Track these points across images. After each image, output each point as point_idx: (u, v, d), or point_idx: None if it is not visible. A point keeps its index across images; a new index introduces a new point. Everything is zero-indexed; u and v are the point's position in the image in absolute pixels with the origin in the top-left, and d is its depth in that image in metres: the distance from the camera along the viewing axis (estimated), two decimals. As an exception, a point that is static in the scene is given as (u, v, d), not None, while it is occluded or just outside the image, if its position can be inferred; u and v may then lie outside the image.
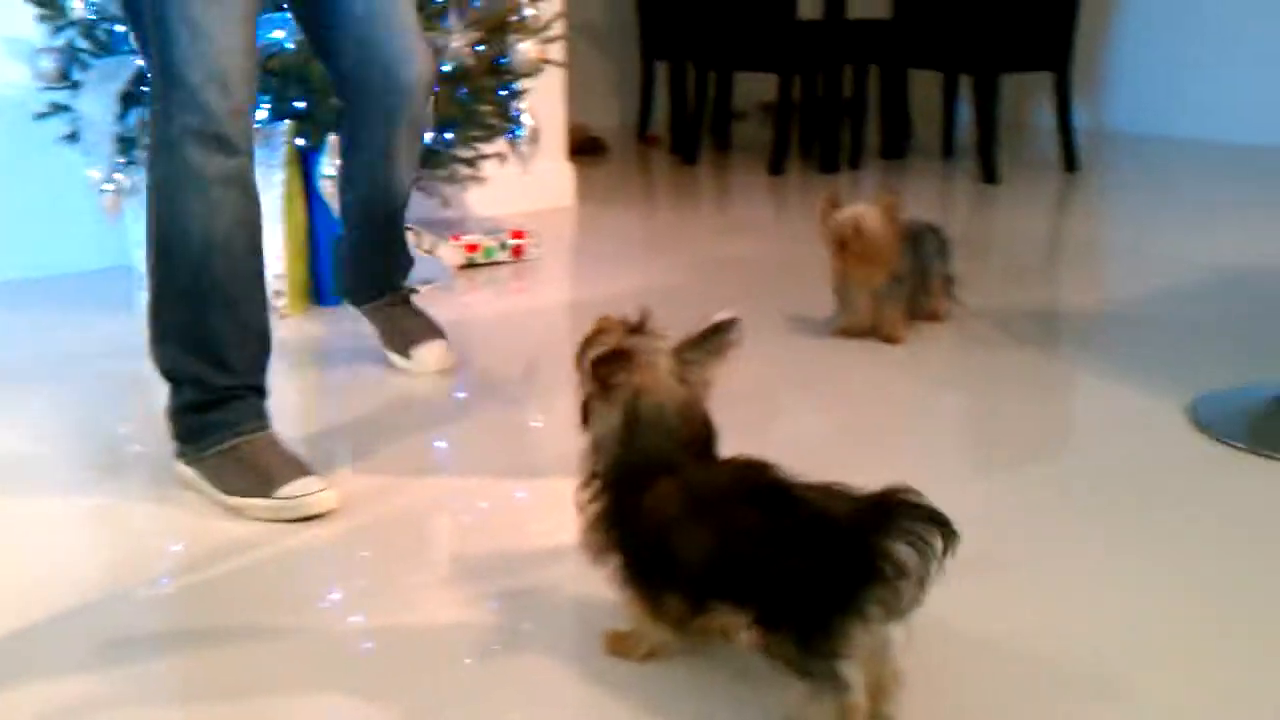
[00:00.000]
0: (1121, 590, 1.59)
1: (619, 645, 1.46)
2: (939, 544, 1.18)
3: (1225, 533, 1.76)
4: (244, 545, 1.77)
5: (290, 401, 2.46)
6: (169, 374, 1.93)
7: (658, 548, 1.33)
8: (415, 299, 2.64)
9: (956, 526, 1.18)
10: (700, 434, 1.39)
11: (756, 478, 1.33)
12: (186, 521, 1.85)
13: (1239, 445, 2.01)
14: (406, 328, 2.57)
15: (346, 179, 2.44)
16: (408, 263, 2.60)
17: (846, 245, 2.56)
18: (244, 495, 1.85)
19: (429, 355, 2.53)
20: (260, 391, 1.97)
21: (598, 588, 1.43)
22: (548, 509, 1.88)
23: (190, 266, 1.85)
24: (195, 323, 1.88)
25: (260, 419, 1.95)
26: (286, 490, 1.83)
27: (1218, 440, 2.05)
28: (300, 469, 1.88)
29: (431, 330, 2.57)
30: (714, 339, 1.40)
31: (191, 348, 1.89)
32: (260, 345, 1.97)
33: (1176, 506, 1.84)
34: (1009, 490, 1.91)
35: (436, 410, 2.35)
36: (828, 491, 1.27)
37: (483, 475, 2.01)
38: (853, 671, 1.20)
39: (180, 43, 1.76)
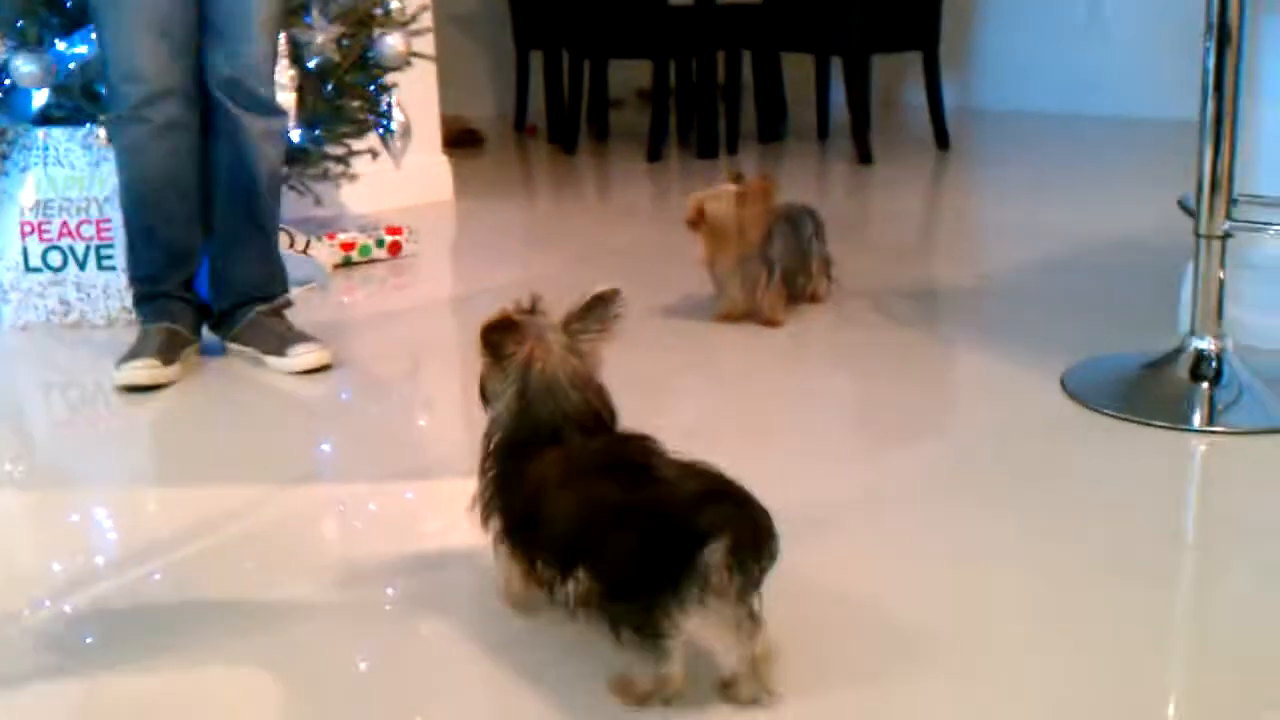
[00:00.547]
0: (991, 554, 1.62)
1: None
2: (759, 549, 1.24)
3: (1092, 496, 1.80)
4: (130, 559, 1.72)
5: (170, 411, 2.40)
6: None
7: (531, 513, 1.37)
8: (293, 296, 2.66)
9: (776, 532, 1.24)
10: (592, 405, 1.43)
11: (625, 451, 1.37)
12: (63, 542, 1.79)
13: (1110, 412, 2.06)
14: (280, 331, 2.54)
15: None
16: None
17: (694, 227, 2.61)
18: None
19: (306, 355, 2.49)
20: (182, 299, 2.52)
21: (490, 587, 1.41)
22: (437, 508, 1.86)
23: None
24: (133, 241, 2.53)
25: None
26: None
27: (1089, 408, 2.09)
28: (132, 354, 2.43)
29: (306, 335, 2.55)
30: (598, 310, 1.44)
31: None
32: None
33: (1047, 473, 1.88)
34: (886, 466, 1.93)
35: (321, 413, 2.31)
36: (685, 471, 1.32)
37: (370, 477, 1.97)
38: (673, 644, 1.26)
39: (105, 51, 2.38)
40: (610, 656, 1.30)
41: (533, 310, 1.46)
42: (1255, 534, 1.69)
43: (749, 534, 1.24)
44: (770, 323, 2.65)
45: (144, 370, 2.40)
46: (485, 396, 1.48)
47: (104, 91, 2.46)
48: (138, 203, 2.48)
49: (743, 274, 2.64)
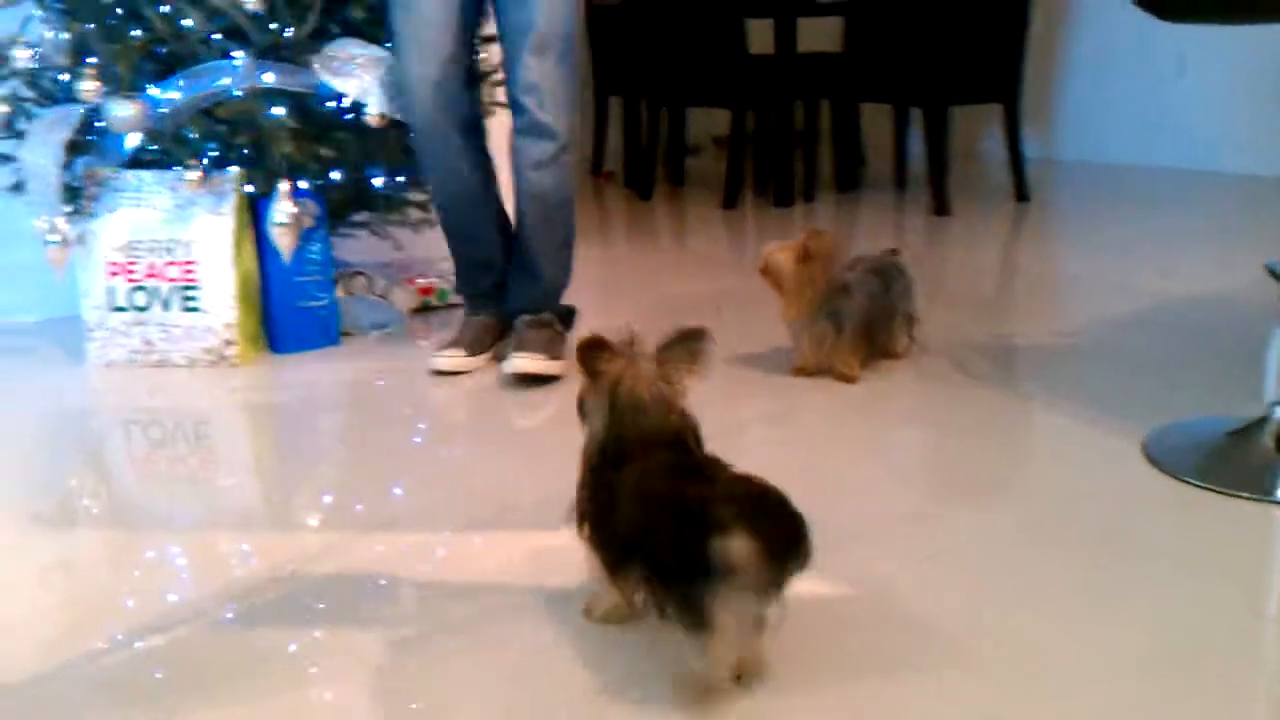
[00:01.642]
0: (1062, 626, 1.59)
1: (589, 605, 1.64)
2: (786, 551, 1.36)
3: (1168, 567, 1.75)
4: (204, 600, 1.73)
5: (247, 452, 2.43)
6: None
7: (611, 517, 1.50)
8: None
9: (807, 536, 1.36)
10: (674, 426, 1.54)
11: (690, 462, 1.51)
12: (139, 580, 1.81)
13: (1191, 480, 2.02)
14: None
15: None
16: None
17: (764, 275, 2.65)
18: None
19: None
20: (485, 296, 2.89)
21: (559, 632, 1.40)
22: (504, 556, 1.86)
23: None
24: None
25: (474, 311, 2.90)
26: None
27: (1170, 475, 2.05)
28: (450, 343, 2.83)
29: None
30: (687, 343, 1.55)
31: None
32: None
33: (1122, 541, 1.84)
34: (953, 525, 1.90)
35: (395, 457, 2.32)
36: (735, 478, 1.45)
37: (443, 524, 1.98)
38: (725, 629, 1.37)
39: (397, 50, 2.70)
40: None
41: (630, 343, 1.56)
42: (1343, 613, 1.64)
43: (777, 534, 1.35)
44: (844, 378, 2.63)
45: (447, 359, 2.78)
46: (582, 413, 1.61)
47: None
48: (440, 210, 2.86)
49: (810, 328, 2.63)
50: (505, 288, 2.88)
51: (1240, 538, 1.86)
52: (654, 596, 1.43)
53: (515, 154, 2.69)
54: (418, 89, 2.65)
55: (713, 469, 1.49)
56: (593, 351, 1.57)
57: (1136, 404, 2.40)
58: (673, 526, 1.39)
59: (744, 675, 1.47)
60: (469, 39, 2.72)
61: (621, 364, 1.55)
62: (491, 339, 2.86)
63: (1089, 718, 1.40)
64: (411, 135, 2.77)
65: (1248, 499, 1.96)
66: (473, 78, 2.77)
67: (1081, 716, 1.40)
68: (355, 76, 2.77)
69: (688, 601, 1.37)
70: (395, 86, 2.78)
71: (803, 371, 2.67)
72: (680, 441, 1.54)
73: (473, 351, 2.81)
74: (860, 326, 2.63)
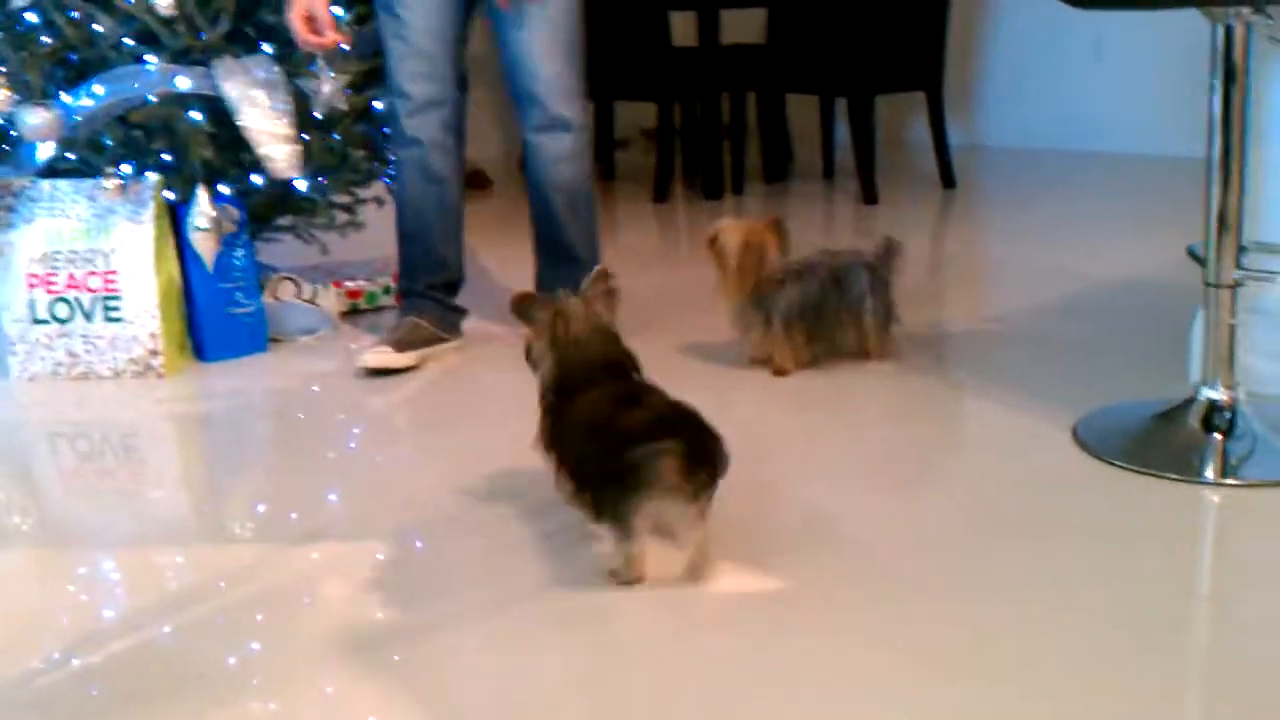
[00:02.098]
0: (998, 607, 1.60)
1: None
2: (703, 459, 1.62)
3: (1102, 549, 1.77)
4: (139, 615, 1.70)
5: (178, 463, 2.39)
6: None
7: (569, 443, 1.75)
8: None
9: (722, 448, 1.65)
10: (615, 351, 1.81)
11: (630, 391, 1.74)
12: (73, 596, 1.78)
13: (1121, 464, 2.04)
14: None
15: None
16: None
17: (709, 245, 2.64)
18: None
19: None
20: (425, 295, 2.88)
21: (499, 645, 1.39)
22: (444, 565, 1.84)
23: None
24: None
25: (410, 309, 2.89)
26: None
27: (1101, 459, 2.07)
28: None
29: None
30: (599, 284, 1.84)
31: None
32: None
33: (1056, 526, 1.86)
34: (897, 519, 1.91)
35: (328, 464, 2.30)
36: (664, 403, 1.70)
37: (379, 534, 1.95)
38: (638, 531, 1.65)
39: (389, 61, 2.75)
40: None
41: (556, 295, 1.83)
42: (1268, 587, 1.67)
43: (690, 447, 1.60)
44: (777, 370, 2.64)
45: (377, 355, 2.76)
46: (531, 359, 1.86)
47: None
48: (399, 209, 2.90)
49: (741, 315, 2.64)
50: (452, 288, 2.93)
51: (1170, 518, 1.88)
52: (586, 507, 1.69)
53: (534, 151, 2.78)
54: (410, 95, 2.71)
55: (646, 395, 1.73)
56: (524, 304, 1.85)
57: (1066, 389, 2.43)
58: (599, 441, 1.65)
59: (692, 574, 1.71)
60: (460, 44, 2.76)
61: (553, 309, 1.80)
62: (422, 340, 2.84)
63: (1034, 701, 1.41)
64: (393, 137, 2.81)
65: (1176, 480, 1.98)
66: (463, 82, 2.80)
67: (1027, 700, 1.41)
68: (252, 96, 2.73)
69: (608, 507, 1.64)
70: (388, 98, 2.82)
71: (754, 361, 2.68)
72: (620, 366, 1.80)
73: (400, 349, 2.79)
74: (793, 321, 2.62)
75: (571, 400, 1.76)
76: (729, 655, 1.54)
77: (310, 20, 2.62)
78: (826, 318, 2.65)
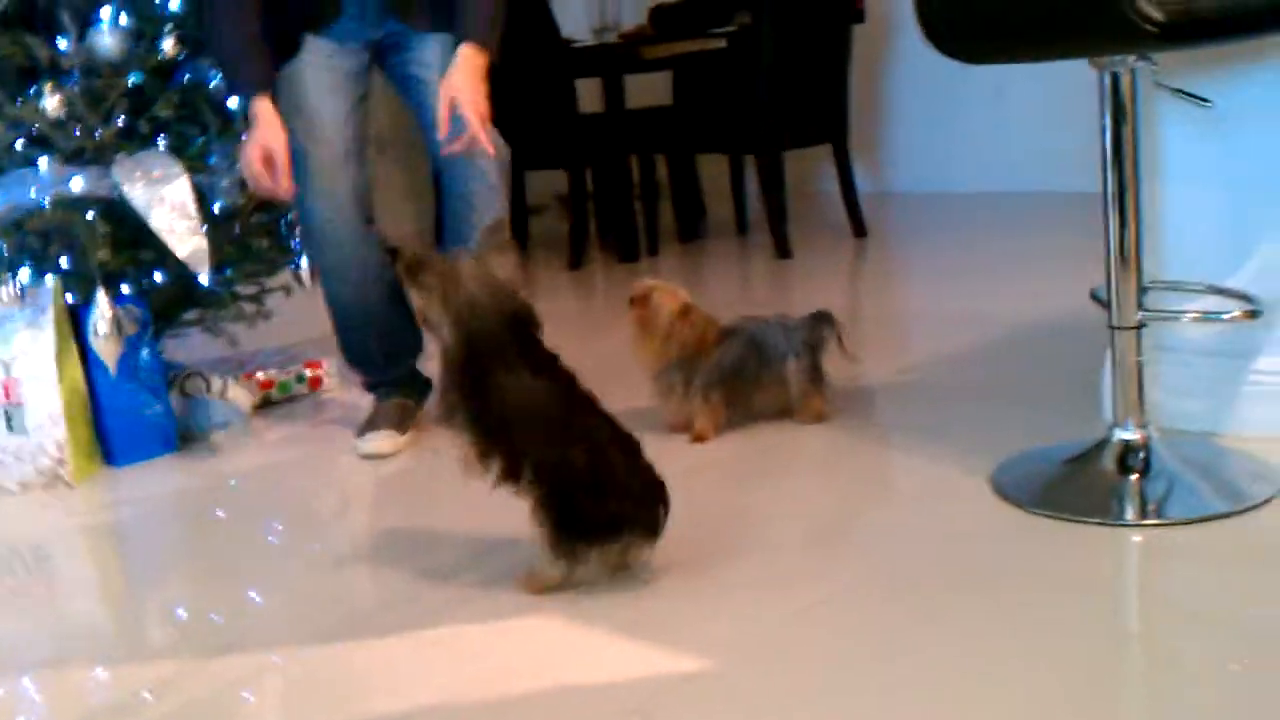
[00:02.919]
0: (931, 667, 1.59)
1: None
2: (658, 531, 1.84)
3: (1030, 600, 1.77)
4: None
5: (93, 574, 2.33)
6: None
7: (498, 425, 1.81)
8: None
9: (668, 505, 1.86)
10: (513, 305, 1.81)
11: (560, 379, 1.87)
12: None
13: (1041, 511, 2.04)
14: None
15: None
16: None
17: (633, 304, 2.62)
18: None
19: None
20: (397, 382, 2.88)
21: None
22: (372, 667, 1.79)
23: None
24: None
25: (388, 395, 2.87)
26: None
27: (1021, 508, 2.07)
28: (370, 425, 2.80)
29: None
30: (491, 239, 1.94)
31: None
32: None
33: (983, 580, 1.86)
34: (821, 582, 1.90)
35: (249, 563, 2.24)
36: (631, 462, 1.85)
37: (303, 637, 1.90)
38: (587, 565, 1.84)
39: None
40: None
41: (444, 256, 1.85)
42: (1198, 624, 1.67)
43: (653, 529, 1.84)
44: (695, 437, 2.62)
45: (387, 440, 2.75)
46: (428, 324, 1.87)
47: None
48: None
49: (661, 379, 2.63)
50: (417, 374, 2.88)
51: (1094, 562, 1.89)
52: (535, 506, 1.81)
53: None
54: (319, 189, 2.62)
55: (585, 398, 1.88)
56: (414, 268, 1.83)
57: (982, 437, 2.43)
58: (576, 472, 1.79)
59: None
60: (363, 126, 2.72)
61: (444, 270, 1.80)
62: (410, 419, 2.83)
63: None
64: (311, 236, 2.71)
65: (1097, 524, 1.98)
66: (363, 159, 2.74)
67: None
68: (156, 195, 2.69)
69: (570, 541, 1.80)
70: (300, 197, 2.66)
71: (673, 428, 2.66)
72: (526, 331, 1.83)
73: (402, 431, 2.79)
74: (713, 386, 2.61)
75: (493, 379, 1.80)
76: (659, 742, 1.51)
77: (268, 162, 2.53)
78: (746, 381, 2.64)
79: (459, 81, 2.50)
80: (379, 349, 2.83)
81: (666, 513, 1.86)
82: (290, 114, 2.60)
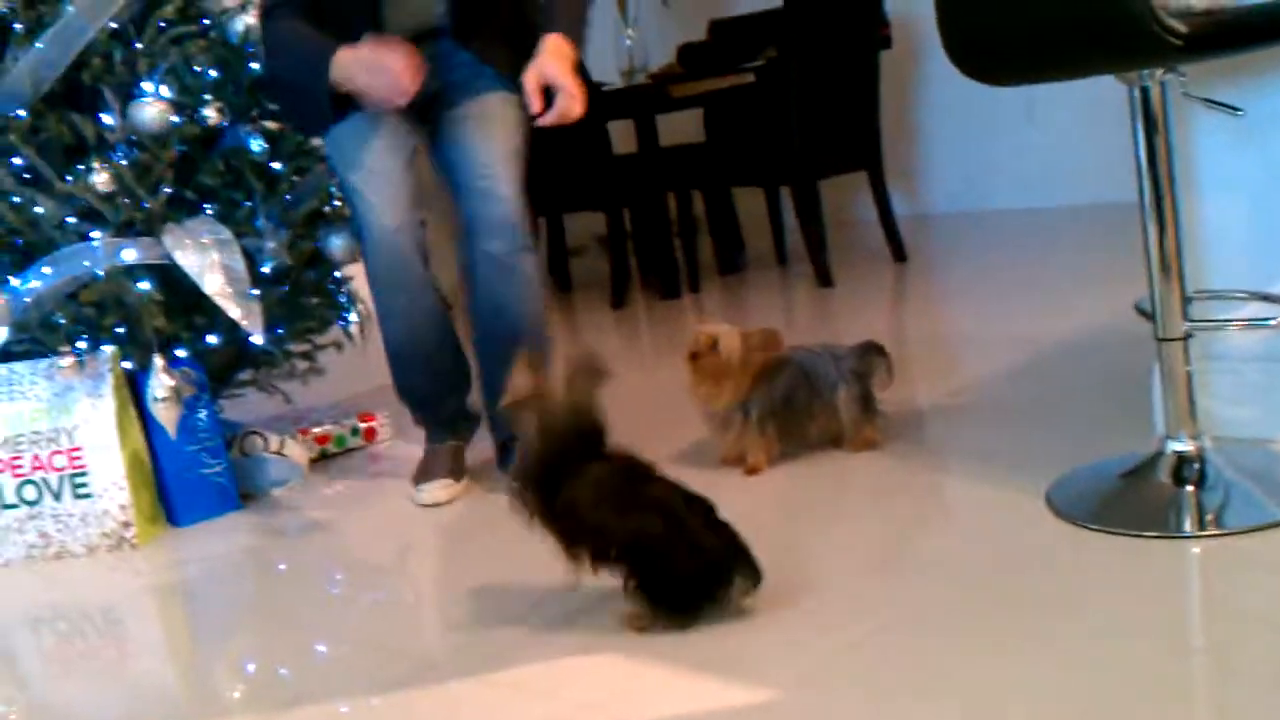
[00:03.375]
0: (1005, 690, 1.59)
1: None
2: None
3: (1097, 618, 1.77)
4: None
5: (161, 634, 2.37)
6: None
7: (574, 520, 1.95)
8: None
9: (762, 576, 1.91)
10: (592, 431, 1.97)
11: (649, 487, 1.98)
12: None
13: (1099, 527, 2.04)
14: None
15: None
16: None
17: (698, 357, 2.58)
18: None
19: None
20: (449, 422, 2.94)
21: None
22: (442, 706, 1.82)
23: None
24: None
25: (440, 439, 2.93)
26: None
27: (1079, 525, 2.07)
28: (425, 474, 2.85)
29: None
30: (589, 368, 1.99)
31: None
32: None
33: (1048, 601, 1.85)
34: (885, 609, 1.90)
35: (313, 615, 2.27)
36: (709, 523, 1.95)
37: (369, 682, 1.93)
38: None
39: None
40: None
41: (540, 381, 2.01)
42: (1263, 634, 1.67)
43: (753, 567, 1.92)
44: (749, 469, 2.63)
45: (443, 489, 2.79)
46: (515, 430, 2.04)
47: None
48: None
49: (721, 417, 2.63)
50: (466, 411, 2.94)
51: (1155, 576, 1.88)
52: (630, 586, 1.92)
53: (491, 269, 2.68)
54: (382, 238, 2.66)
55: (653, 478, 1.99)
56: (518, 409, 2.00)
57: (1035, 456, 2.43)
58: (685, 561, 1.89)
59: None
60: (420, 174, 2.75)
61: (539, 402, 1.97)
62: (462, 461, 2.89)
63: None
64: (377, 282, 2.73)
65: (1155, 537, 1.98)
66: (420, 207, 2.75)
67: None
68: (206, 261, 2.74)
69: (674, 610, 1.92)
70: (358, 237, 2.77)
71: (727, 461, 2.68)
72: (599, 444, 1.97)
73: (458, 478, 2.84)
74: (768, 418, 2.62)
75: (563, 479, 1.94)
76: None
77: (378, 68, 2.50)
78: (797, 412, 2.65)
79: (550, 60, 2.50)
80: (432, 388, 2.88)
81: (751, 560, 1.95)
82: (349, 167, 2.65)
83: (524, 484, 1.99)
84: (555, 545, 1.96)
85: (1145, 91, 2.03)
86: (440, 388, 2.89)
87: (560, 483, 1.95)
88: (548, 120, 2.54)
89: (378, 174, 2.64)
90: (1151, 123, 2.05)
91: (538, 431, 1.96)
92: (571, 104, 2.51)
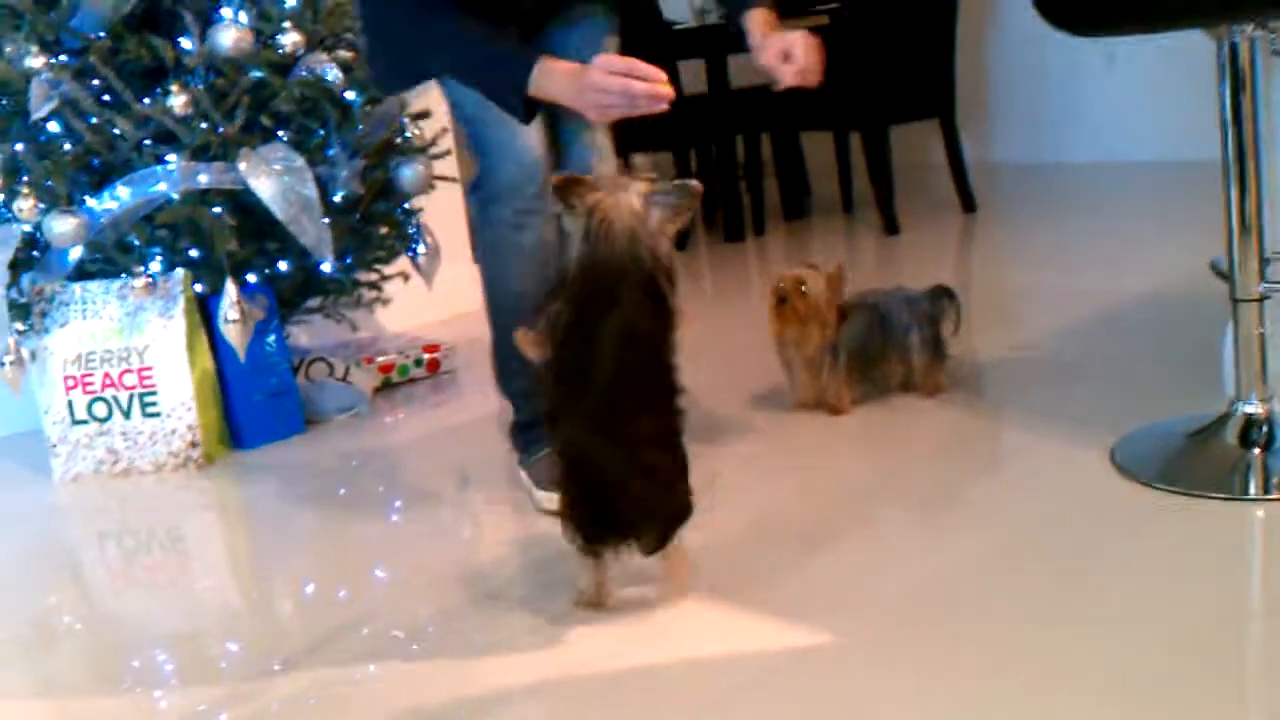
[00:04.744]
0: (1057, 644, 1.59)
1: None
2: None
3: (1155, 577, 1.76)
4: (192, 705, 1.72)
5: (223, 551, 2.41)
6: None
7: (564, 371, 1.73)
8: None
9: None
10: (647, 264, 1.67)
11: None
12: (128, 690, 1.80)
13: (1163, 487, 2.03)
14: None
15: None
16: None
17: (785, 301, 2.59)
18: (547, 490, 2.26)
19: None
20: None
21: None
22: (496, 635, 1.85)
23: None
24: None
25: None
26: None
27: (1142, 483, 2.06)
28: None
29: None
30: (681, 193, 1.69)
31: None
32: None
33: (1107, 557, 1.85)
34: (942, 557, 1.91)
35: (373, 540, 2.31)
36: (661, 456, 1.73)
37: (427, 607, 1.97)
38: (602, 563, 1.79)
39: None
40: None
41: (629, 168, 1.74)
42: (1324, 606, 1.66)
43: (671, 525, 1.74)
44: (832, 410, 2.65)
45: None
46: (560, 234, 1.76)
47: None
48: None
49: (813, 360, 2.64)
50: None
51: (1217, 538, 1.87)
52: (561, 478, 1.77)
53: None
54: (526, 162, 2.25)
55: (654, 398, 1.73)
56: (566, 187, 1.71)
57: (1101, 412, 2.42)
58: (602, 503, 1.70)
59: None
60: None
61: (601, 195, 1.67)
62: None
63: (1084, 745, 1.40)
64: (497, 218, 2.30)
65: (1219, 499, 1.97)
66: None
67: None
68: (279, 188, 2.76)
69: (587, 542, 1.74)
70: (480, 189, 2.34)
71: (804, 405, 2.68)
72: (655, 285, 1.68)
73: None
74: (852, 360, 2.63)
75: (582, 334, 1.69)
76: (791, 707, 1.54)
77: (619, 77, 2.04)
78: (872, 354, 2.66)
79: (784, 35, 2.27)
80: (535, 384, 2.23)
81: (667, 525, 1.76)
82: (486, 124, 2.26)
83: (550, 303, 1.74)
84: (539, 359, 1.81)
85: (1234, 47, 1.99)
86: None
87: (588, 312, 1.69)
88: (786, 81, 2.28)
89: (516, 129, 2.23)
90: (1238, 80, 2.01)
91: (590, 232, 1.67)
92: (807, 74, 2.27)
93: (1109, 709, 1.46)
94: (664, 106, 2.01)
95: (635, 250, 1.66)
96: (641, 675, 1.68)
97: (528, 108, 2.11)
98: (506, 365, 2.36)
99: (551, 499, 2.18)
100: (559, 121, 2.34)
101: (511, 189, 2.25)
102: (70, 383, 2.86)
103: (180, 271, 2.84)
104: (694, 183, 1.70)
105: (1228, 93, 2.02)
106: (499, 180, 2.27)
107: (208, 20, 2.84)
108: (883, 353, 2.66)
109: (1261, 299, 2.05)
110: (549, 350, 1.76)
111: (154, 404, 2.85)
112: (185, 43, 2.82)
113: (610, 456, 1.69)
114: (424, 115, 3.16)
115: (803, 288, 2.58)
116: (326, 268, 2.85)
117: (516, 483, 2.40)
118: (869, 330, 2.64)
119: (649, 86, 2.01)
